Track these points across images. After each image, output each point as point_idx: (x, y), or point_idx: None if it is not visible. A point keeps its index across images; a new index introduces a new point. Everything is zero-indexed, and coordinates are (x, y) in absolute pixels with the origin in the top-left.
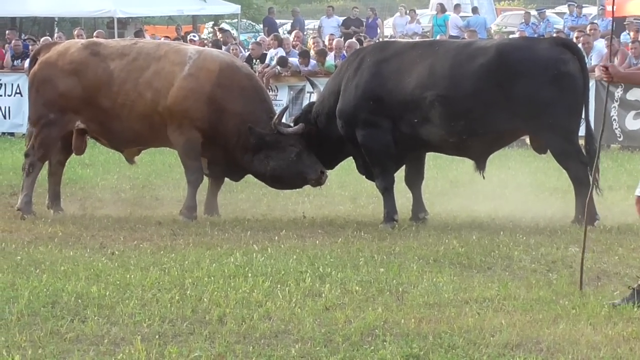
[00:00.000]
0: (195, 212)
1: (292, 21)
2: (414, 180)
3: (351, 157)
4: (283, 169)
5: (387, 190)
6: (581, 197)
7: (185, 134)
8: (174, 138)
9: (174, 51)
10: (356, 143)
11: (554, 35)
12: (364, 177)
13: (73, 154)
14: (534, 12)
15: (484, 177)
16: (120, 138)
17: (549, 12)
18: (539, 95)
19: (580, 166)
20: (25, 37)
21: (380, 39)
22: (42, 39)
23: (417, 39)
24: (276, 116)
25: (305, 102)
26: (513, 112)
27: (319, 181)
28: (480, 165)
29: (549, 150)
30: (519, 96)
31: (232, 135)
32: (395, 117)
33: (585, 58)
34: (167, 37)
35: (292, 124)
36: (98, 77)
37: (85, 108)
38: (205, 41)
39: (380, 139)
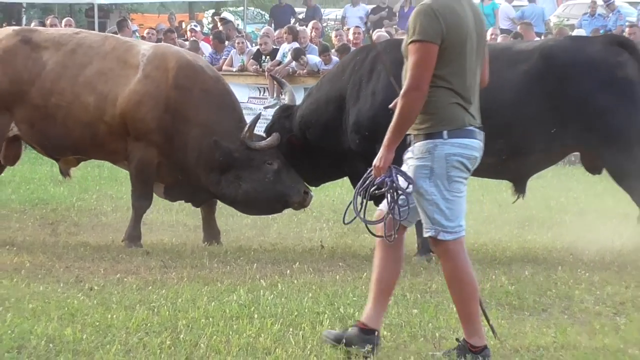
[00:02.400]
0: (139, 242)
1: (305, 10)
2: None
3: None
4: (259, 192)
5: None
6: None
7: (139, 150)
8: (129, 153)
9: (124, 48)
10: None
11: (626, 29)
12: None
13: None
14: (601, 2)
15: (520, 199)
16: (54, 144)
17: (619, 2)
18: (591, 105)
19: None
20: None
21: None
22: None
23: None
24: (247, 127)
25: None
26: (561, 125)
27: (302, 204)
28: (520, 188)
29: (605, 170)
30: (567, 107)
31: (192, 150)
32: None
33: None
34: (151, 28)
35: (264, 134)
36: (27, 68)
37: (15, 107)
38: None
39: None
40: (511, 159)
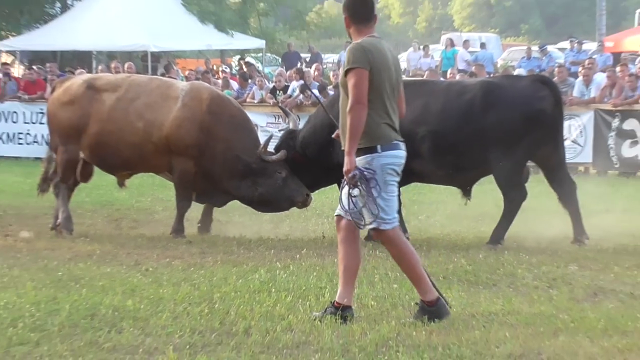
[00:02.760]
0: (183, 234)
1: (309, 55)
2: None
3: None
4: (271, 194)
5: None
6: (505, 220)
7: (181, 163)
8: (174, 166)
9: (167, 86)
10: None
11: (555, 69)
12: None
13: (83, 182)
14: (536, 48)
15: (465, 204)
16: (108, 163)
17: (551, 48)
18: (513, 129)
19: (516, 196)
20: (65, 70)
21: None
22: (77, 71)
23: (427, 73)
24: (262, 145)
25: None
26: (493, 144)
27: (305, 203)
28: (466, 193)
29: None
30: (497, 130)
31: (219, 161)
32: None
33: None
34: (191, 70)
35: (274, 151)
36: (92, 107)
37: (80, 137)
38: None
39: None
40: (457, 172)
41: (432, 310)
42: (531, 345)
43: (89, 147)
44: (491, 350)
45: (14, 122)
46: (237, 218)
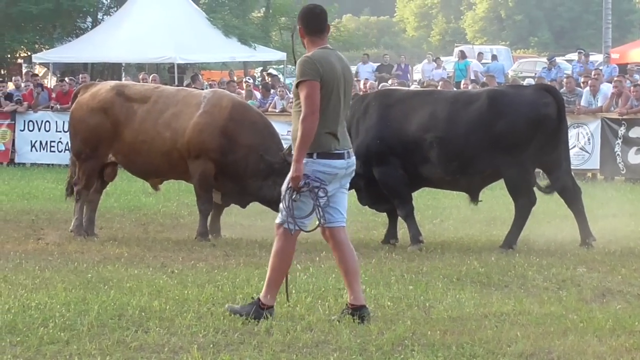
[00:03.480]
0: (208, 237)
1: None
2: (393, 210)
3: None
4: None
5: (408, 217)
6: (517, 225)
7: (201, 166)
8: (192, 170)
9: (191, 95)
10: (371, 180)
11: (564, 79)
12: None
13: (110, 182)
14: (545, 59)
15: (472, 208)
16: (140, 170)
17: (559, 60)
18: (519, 135)
19: (526, 201)
20: (97, 81)
21: (410, 83)
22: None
23: (441, 83)
24: (287, 147)
25: None
26: (498, 151)
27: None
28: (474, 197)
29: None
30: (503, 137)
31: (242, 164)
32: (401, 157)
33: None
34: (213, 81)
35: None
36: (122, 115)
37: (113, 142)
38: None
39: (394, 174)
40: (463, 177)
41: (258, 310)
42: (541, 345)
43: (122, 154)
44: (503, 349)
45: (47, 131)
46: (259, 222)
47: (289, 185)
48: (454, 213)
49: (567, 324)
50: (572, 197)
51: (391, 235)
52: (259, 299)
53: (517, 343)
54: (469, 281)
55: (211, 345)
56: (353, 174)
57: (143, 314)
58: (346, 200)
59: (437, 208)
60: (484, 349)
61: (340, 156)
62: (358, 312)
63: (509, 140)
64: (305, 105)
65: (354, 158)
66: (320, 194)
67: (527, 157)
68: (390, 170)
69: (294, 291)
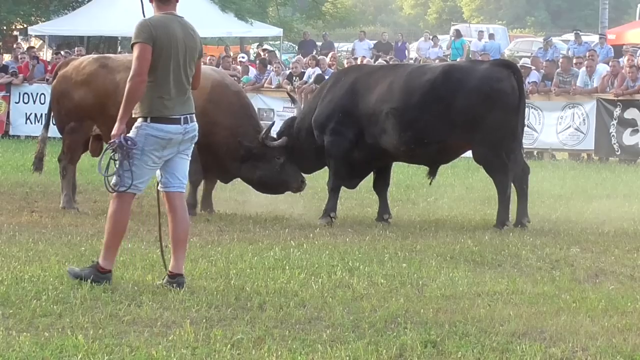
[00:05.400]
0: (195, 209)
1: (322, 43)
2: (380, 186)
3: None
4: (269, 178)
5: (333, 190)
6: (502, 202)
7: None
8: None
9: None
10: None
11: (560, 59)
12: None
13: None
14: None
15: (430, 184)
16: None
17: (555, 40)
18: (472, 109)
19: (504, 177)
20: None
21: (408, 61)
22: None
23: (437, 62)
24: (264, 131)
25: None
26: (450, 124)
27: (299, 188)
28: (432, 172)
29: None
30: (455, 110)
31: (221, 145)
32: (360, 128)
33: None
34: (212, 55)
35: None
36: (105, 87)
37: (97, 115)
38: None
39: (341, 146)
40: (418, 148)
41: (97, 274)
42: (534, 324)
43: (107, 127)
44: (495, 328)
45: (42, 104)
46: (253, 198)
47: (109, 144)
48: (449, 191)
49: (560, 303)
50: (520, 176)
51: (384, 210)
52: (98, 262)
53: (510, 322)
54: (463, 260)
55: (204, 320)
56: (195, 140)
57: (136, 287)
58: (186, 166)
59: (432, 186)
60: (476, 328)
61: (175, 121)
62: (175, 279)
63: (463, 114)
64: (134, 66)
65: (194, 124)
66: (130, 155)
67: (491, 133)
68: (339, 141)
69: (287, 267)
